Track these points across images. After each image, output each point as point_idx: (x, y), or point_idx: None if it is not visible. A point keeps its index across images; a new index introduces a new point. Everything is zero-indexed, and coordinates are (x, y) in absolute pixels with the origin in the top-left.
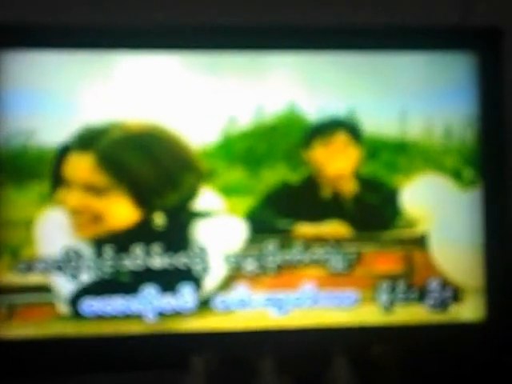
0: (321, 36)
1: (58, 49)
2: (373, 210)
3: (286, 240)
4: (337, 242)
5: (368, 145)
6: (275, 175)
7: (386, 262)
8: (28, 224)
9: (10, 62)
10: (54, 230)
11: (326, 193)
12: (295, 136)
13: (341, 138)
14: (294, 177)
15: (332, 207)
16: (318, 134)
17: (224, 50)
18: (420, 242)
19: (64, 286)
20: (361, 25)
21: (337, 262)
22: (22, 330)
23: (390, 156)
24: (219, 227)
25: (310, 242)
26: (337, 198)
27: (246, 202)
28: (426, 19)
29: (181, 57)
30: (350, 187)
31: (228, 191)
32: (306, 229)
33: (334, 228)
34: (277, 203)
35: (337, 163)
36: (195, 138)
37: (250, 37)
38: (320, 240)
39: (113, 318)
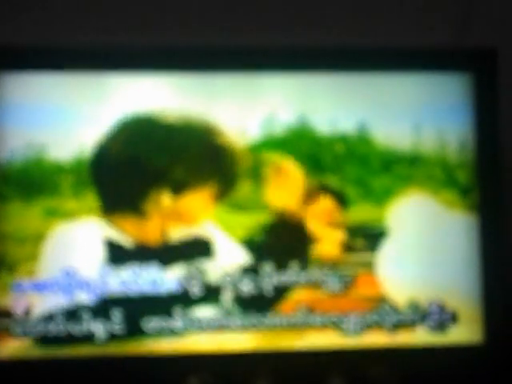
0: (330, 57)
1: (54, 70)
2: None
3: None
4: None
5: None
6: None
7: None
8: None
9: (8, 83)
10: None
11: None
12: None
13: (327, 205)
14: None
15: None
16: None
17: (218, 72)
18: None
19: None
20: (359, 46)
21: (333, 283)
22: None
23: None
24: None
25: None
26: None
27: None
28: (422, 40)
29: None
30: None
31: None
32: None
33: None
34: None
35: (324, 231)
36: None
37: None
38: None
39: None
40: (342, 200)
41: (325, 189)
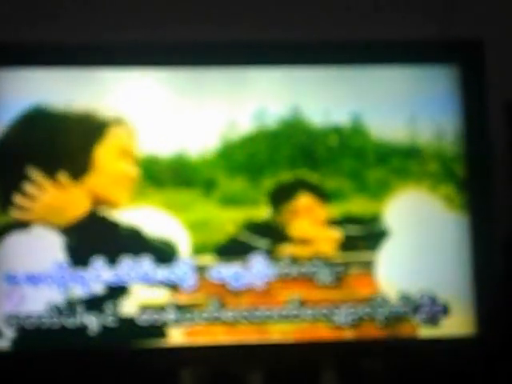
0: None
1: (49, 66)
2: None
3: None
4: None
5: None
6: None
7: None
8: None
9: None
10: None
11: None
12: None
13: (304, 202)
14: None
15: None
16: (282, 201)
17: (210, 66)
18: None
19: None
20: (352, 40)
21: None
22: None
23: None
24: None
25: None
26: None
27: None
28: (414, 34)
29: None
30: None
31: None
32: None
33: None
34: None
35: (305, 229)
36: (193, 147)
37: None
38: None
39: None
40: (322, 195)
41: (302, 185)
